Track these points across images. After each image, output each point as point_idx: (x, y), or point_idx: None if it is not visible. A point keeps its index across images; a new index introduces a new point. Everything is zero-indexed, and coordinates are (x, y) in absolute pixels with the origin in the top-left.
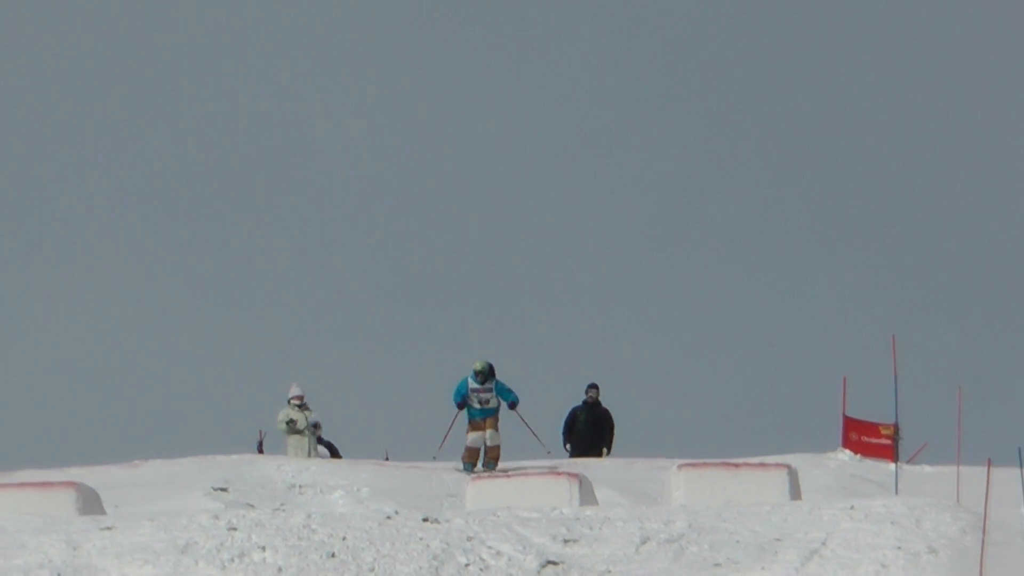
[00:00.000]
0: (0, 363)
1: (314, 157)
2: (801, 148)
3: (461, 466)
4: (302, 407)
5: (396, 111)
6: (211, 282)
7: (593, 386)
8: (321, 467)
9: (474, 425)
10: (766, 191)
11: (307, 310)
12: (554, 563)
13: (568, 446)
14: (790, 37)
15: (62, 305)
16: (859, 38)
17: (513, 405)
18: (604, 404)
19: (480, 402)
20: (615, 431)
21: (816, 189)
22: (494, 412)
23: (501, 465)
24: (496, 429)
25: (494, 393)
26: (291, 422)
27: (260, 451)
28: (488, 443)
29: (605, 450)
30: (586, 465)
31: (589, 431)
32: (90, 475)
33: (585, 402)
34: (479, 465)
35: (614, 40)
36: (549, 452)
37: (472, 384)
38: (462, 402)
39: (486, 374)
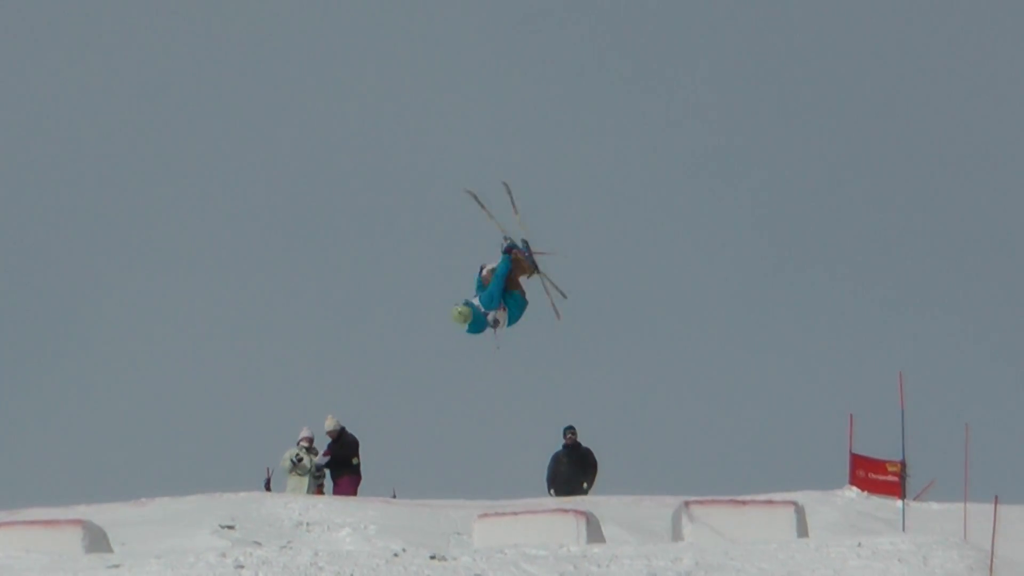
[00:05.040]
0: (6, 401)
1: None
2: (801, 186)
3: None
4: (309, 449)
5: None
6: (218, 320)
7: (570, 428)
8: (328, 505)
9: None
10: (768, 226)
11: (314, 349)
12: None
13: (552, 491)
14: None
15: (68, 344)
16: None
17: (510, 250)
18: (585, 445)
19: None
20: (597, 468)
21: (820, 223)
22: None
23: (508, 505)
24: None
25: (495, 309)
26: (298, 461)
27: (267, 489)
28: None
29: (586, 485)
30: (594, 503)
31: (572, 472)
32: (97, 513)
33: (565, 445)
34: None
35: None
36: (563, 303)
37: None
38: (496, 300)
39: (465, 316)
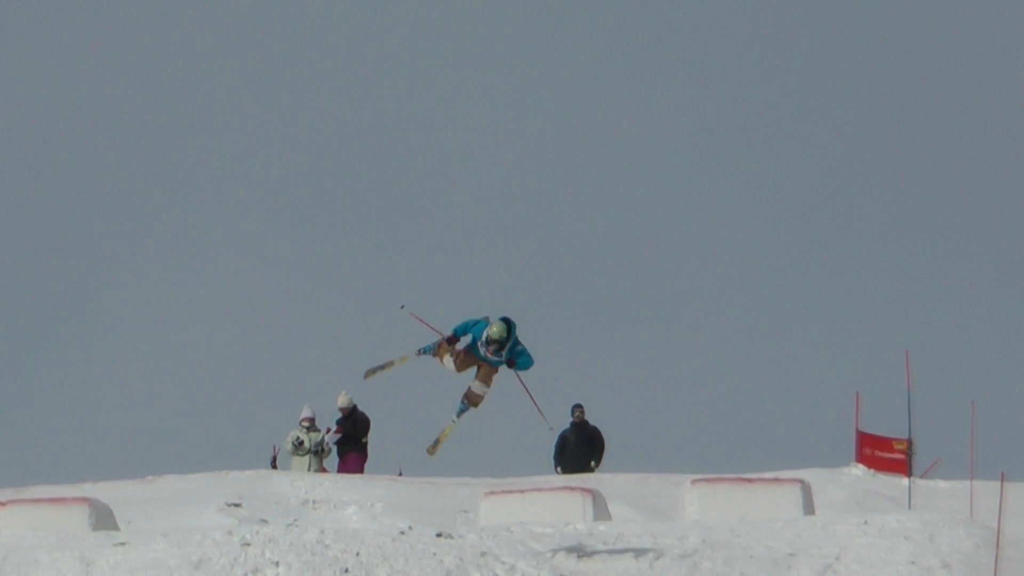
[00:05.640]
0: (12, 380)
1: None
2: (807, 166)
3: (422, 347)
4: (311, 429)
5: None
6: (225, 297)
7: (578, 406)
8: (335, 483)
9: (465, 354)
10: (775, 207)
11: (320, 324)
12: None
13: (559, 468)
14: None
15: (75, 322)
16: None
17: (513, 364)
18: (593, 423)
19: (484, 356)
20: (605, 446)
21: (829, 203)
22: (498, 364)
23: (515, 483)
24: (488, 383)
25: (504, 357)
26: (299, 444)
27: (274, 466)
28: (473, 389)
29: (594, 463)
30: (601, 481)
31: (580, 450)
32: (103, 491)
33: (573, 423)
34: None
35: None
36: (552, 428)
37: (482, 348)
38: (455, 337)
39: (502, 343)
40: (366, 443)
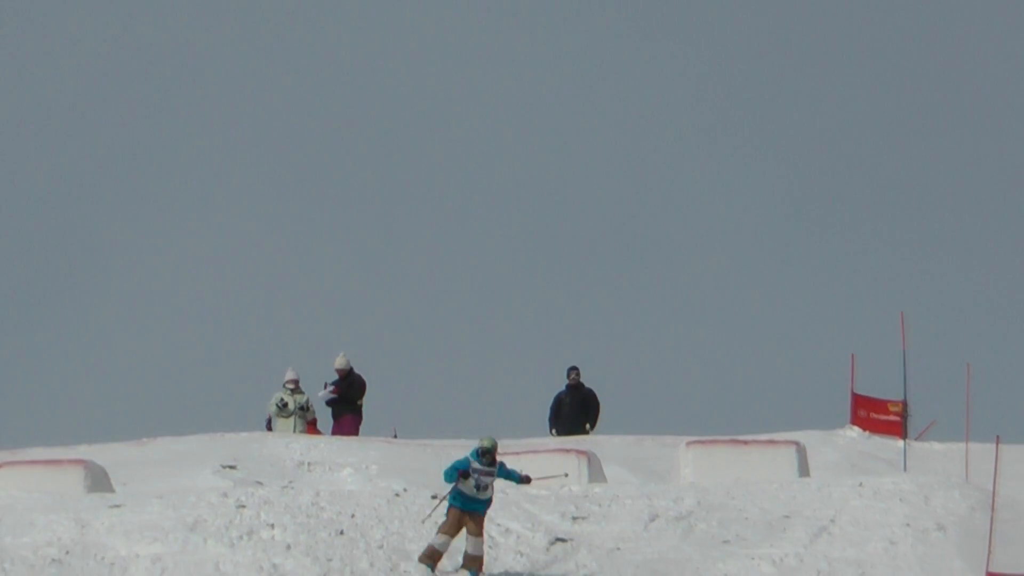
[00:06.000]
0: (8, 342)
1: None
2: (802, 128)
3: (421, 563)
4: (295, 391)
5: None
6: (220, 260)
7: (574, 368)
8: (330, 445)
9: (452, 517)
10: (772, 165)
11: (315, 288)
12: (563, 540)
13: (553, 430)
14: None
15: (71, 285)
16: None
17: (525, 480)
18: (588, 385)
19: (479, 486)
20: (600, 409)
21: (825, 165)
22: (484, 508)
23: (510, 445)
24: (481, 536)
25: (494, 477)
26: (283, 406)
27: (269, 429)
28: (470, 551)
29: (589, 426)
30: (596, 443)
31: (575, 413)
32: (99, 453)
33: (568, 385)
34: (446, 568)
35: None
36: (567, 475)
37: (475, 464)
38: (456, 479)
39: (493, 453)
40: (361, 405)
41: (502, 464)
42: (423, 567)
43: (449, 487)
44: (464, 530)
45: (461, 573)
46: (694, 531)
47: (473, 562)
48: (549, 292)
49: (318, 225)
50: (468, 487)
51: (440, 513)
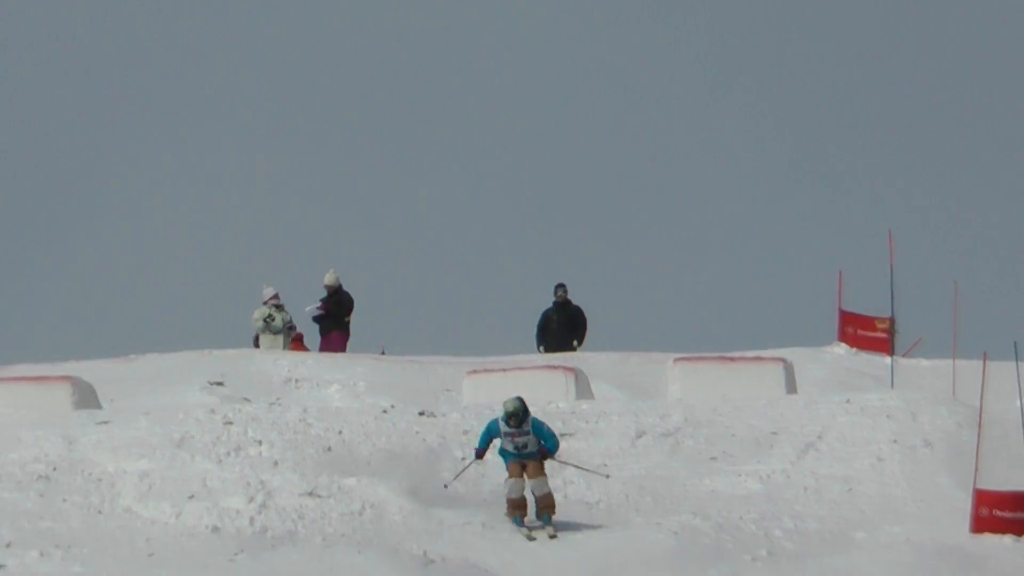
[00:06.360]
0: None
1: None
2: (789, 49)
3: (509, 520)
4: (278, 307)
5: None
6: (209, 178)
7: (561, 286)
8: (317, 361)
9: (511, 469)
10: (761, 85)
11: (305, 206)
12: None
13: (541, 347)
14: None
15: (60, 201)
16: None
17: (550, 454)
18: (575, 302)
19: (516, 447)
20: (587, 326)
21: (813, 83)
22: (535, 455)
23: (497, 362)
24: (543, 475)
25: (532, 435)
26: (269, 319)
27: (256, 345)
28: (536, 492)
29: (576, 343)
30: (583, 360)
31: (562, 330)
32: (86, 369)
33: (555, 302)
34: (532, 516)
35: None
36: (608, 476)
37: (504, 428)
38: (483, 448)
39: (520, 416)
40: (349, 322)
41: (540, 424)
42: (511, 523)
43: (475, 458)
44: (527, 474)
45: (538, 528)
46: (681, 448)
47: (545, 506)
48: (536, 209)
49: (306, 143)
50: (508, 449)
51: (463, 478)
